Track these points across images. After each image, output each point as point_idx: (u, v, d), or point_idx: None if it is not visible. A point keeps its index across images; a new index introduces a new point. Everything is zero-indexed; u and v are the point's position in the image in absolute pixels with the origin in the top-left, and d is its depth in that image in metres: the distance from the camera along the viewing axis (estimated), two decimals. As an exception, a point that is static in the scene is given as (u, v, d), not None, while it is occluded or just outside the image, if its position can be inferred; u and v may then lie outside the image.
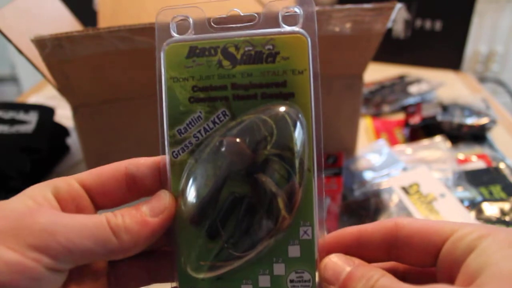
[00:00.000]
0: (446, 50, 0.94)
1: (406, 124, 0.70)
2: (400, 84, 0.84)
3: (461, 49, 0.92)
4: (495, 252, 0.20)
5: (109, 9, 0.68)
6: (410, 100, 0.78)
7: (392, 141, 0.69)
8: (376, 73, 0.90)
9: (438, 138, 0.64)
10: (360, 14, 0.48)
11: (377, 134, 0.71)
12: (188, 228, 0.26)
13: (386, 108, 0.78)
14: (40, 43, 0.43)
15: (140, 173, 0.27)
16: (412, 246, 0.23)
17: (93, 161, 0.56)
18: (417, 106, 0.73)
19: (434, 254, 0.23)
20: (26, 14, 0.52)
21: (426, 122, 0.67)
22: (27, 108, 0.65)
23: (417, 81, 0.84)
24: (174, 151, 0.26)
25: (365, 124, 0.74)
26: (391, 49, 0.95)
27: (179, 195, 0.26)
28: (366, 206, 0.52)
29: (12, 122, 0.62)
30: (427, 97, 0.79)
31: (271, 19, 0.26)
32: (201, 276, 0.26)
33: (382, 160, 0.60)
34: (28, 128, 0.62)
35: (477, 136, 0.65)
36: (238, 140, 0.25)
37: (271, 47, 0.25)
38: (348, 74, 0.57)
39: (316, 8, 0.47)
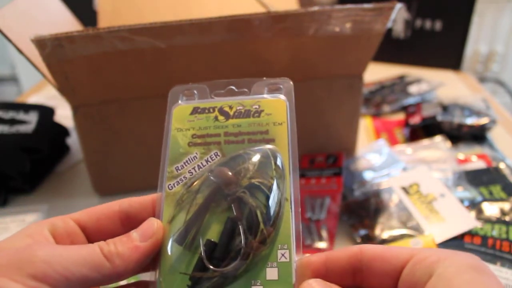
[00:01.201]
0: (446, 50, 0.94)
1: (406, 124, 0.70)
2: (400, 84, 0.84)
3: (461, 49, 0.92)
4: (455, 277, 0.21)
5: (109, 9, 0.68)
6: (410, 100, 0.78)
7: (392, 141, 0.69)
8: (376, 73, 0.90)
9: (438, 138, 0.64)
10: (360, 14, 0.48)
11: (377, 134, 0.71)
12: (172, 249, 0.28)
13: (386, 108, 0.78)
14: (40, 43, 0.43)
15: (134, 210, 0.29)
16: (373, 270, 0.25)
17: (93, 161, 0.56)
18: (417, 106, 0.73)
19: (395, 278, 0.24)
20: (26, 14, 0.52)
21: (426, 122, 0.67)
22: (27, 108, 0.65)
23: (417, 81, 0.84)
24: (170, 184, 0.31)
25: (365, 124, 0.75)
26: (391, 49, 0.95)
27: (169, 220, 0.29)
28: (366, 206, 0.52)
29: (12, 122, 0.62)
30: (427, 97, 0.79)
31: (259, 92, 0.34)
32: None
33: (382, 160, 0.60)
34: (28, 128, 0.62)
35: (477, 136, 0.65)
36: (223, 167, 0.30)
37: (257, 106, 0.32)
38: (348, 74, 0.57)
39: (316, 8, 0.47)
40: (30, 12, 0.54)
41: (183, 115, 0.33)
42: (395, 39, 0.95)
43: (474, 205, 0.51)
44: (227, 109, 0.33)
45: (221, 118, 0.33)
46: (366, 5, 0.47)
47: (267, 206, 0.29)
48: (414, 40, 0.94)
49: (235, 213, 0.29)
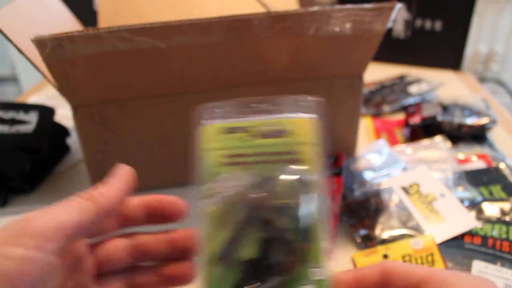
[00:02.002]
0: (446, 50, 0.94)
1: (406, 124, 0.70)
2: (400, 84, 0.84)
3: (461, 49, 0.92)
4: None
5: (109, 9, 0.68)
6: (410, 100, 0.78)
7: (392, 141, 0.69)
8: (376, 73, 0.90)
9: (438, 138, 0.64)
10: (360, 14, 0.48)
11: (377, 134, 0.71)
12: (214, 267, 0.29)
13: (386, 108, 0.78)
14: (40, 43, 0.43)
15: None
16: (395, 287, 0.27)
17: (93, 161, 0.56)
18: (417, 106, 0.73)
19: None
20: (26, 14, 0.52)
21: (426, 122, 0.67)
22: (27, 108, 0.65)
23: (417, 81, 0.84)
24: (206, 202, 0.32)
25: (365, 124, 0.75)
26: (391, 49, 0.95)
27: (208, 239, 0.30)
28: (366, 206, 0.52)
29: (12, 122, 0.62)
30: (427, 97, 0.79)
31: (287, 111, 0.34)
32: None
33: (382, 160, 0.60)
34: (28, 128, 0.62)
35: (477, 136, 0.65)
36: (256, 189, 0.31)
37: (286, 126, 0.33)
38: (348, 74, 0.57)
39: (316, 8, 0.47)
40: (30, 12, 0.54)
41: (213, 135, 0.34)
42: (395, 39, 0.95)
43: (474, 205, 0.51)
44: (254, 129, 0.33)
45: (249, 137, 0.33)
46: (366, 5, 0.47)
47: (299, 226, 0.30)
48: (414, 40, 0.94)
49: (268, 234, 0.29)
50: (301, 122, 0.33)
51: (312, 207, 0.31)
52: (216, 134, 0.33)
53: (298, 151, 0.32)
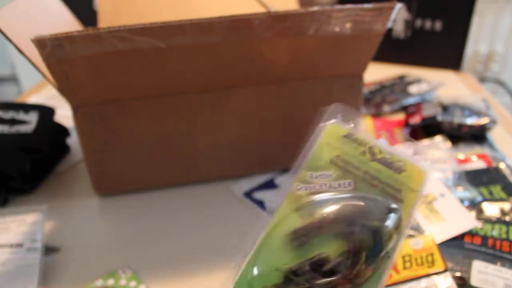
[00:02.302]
0: (446, 50, 0.94)
1: (406, 124, 0.70)
2: (400, 84, 0.84)
3: (461, 49, 0.92)
4: None
5: (109, 9, 0.68)
6: (410, 100, 0.78)
7: (392, 141, 0.69)
8: (376, 73, 0.90)
9: (438, 138, 0.64)
10: (360, 14, 0.48)
11: (377, 134, 0.71)
12: (278, 241, 0.30)
13: (386, 108, 0.78)
14: (40, 43, 0.43)
15: None
16: None
17: (93, 161, 0.56)
18: (417, 106, 0.73)
19: None
20: (26, 14, 0.52)
21: (426, 122, 0.67)
22: (27, 108, 0.65)
23: (417, 81, 0.84)
24: (299, 185, 0.33)
25: (365, 124, 0.74)
26: (391, 49, 0.95)
27: (282, 217, 0.31)
28: (366, 206, 0.52)
29: (12, 122, 0.62)
30: (427, 97, 0.79)
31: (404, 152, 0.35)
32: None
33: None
34: (28, 128, 0.62)
35: (477, 136, 0.65)
36: (356, 202, 0.32)
37: (401, 164, 0.34)
38: (348, 74, 0.57)
39: (316, 8, 0.47)
40: (30, 12, 0.54)
41: (337, 133, 0.35)
42: (395, 39, 0.95)
43: (474, 205, 0.51)
44: (376, 150, 0.34)
45: (367, 155, 0.34)
46: (366, 5, 0.47)
47: (372, 253, 0.30)
48: (414, 40, 0.94)
49: (348, 246, 0.30)
50: (419, 171, 0.34)
51: (393, 245, 0.31)
52: (342, 136, 0.35)
53: (404, 192, 0.33)
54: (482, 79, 1.67)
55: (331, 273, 0.29)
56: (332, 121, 0.36)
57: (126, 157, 0.56)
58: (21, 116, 0.63)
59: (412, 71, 0.92)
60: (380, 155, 0.34)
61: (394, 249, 0.31)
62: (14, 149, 0.59)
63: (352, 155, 0.34)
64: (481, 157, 0.60)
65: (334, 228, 0.30)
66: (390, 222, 0.31)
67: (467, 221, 0.48)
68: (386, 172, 0.33)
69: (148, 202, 0.58)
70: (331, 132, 0.35)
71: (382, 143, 0.35)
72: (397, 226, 0.31)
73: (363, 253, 0.30)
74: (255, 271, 0.29)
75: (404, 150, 0.35)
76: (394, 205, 0.32)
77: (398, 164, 0.34)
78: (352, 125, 0.36)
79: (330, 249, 0.30)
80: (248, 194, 0.58)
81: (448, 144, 0.63)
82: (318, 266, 0.29)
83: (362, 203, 0.32)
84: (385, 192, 0.33)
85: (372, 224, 0.31)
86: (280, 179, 0.61)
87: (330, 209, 0.31)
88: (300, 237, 0.30)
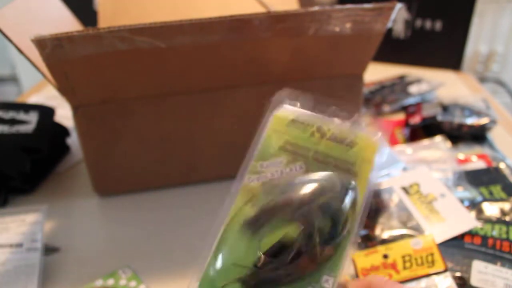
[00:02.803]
0: (446, 50, 0.94)
1: (406, 124, 0.70)
2: (400, 84, 0.84)
3: (461, 49, 0.92)
4: None
5: (109, 9, 0.68)
6: (410, 100, 0.78)
7: (392, 141, 0.69)
8: (376, 73, 0.90)
9: (438, 138, 0.64)
10: (360, 14, 0.48)
11: (377, 134, 0.71)
12: (236, 234, 0.30)
13: (386, 108, 0.78)
14: (40, 43, 0.43)
15: None
16: None
17: (93, 161, 0.56)
18: (417, 106, 0.73)
19: None
20: (26, 14, 0.52)
21: (426, 122, 0.67)
22: (27, 108, 0.65)
23: (417, 81, 0.84)
24: (250, 177, 0.32)
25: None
26: (391, 49, 0.95)
27: (238, 209, 0.31)
28: (366, 206, 0.52)
29: (12, 122, 0.62)
30: (427, 97, 0.79)
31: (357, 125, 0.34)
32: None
33: (382, 160, 0.60)
34: (28, 128, 0.62)
35: (477, 136, 0.65)
36: (303, 184, 0.31)
37: (353, 138, 0.33)
38: (348, 74, 0.57)
39: (316, 8, 0.47)
40: (30, 12, 0.54)
41: (283, 119, 0.34)
42: (395, 39, 0.95)
43: (474, 205, 0.51)
44: (324, 129, 0.34)
45: (316, 135, 0.34)
46: (366, 5, 0.47)
47: (330, 231, 0.30)
48: (414, 40, 0.94)
49: (301, 227, 0.30)
50: (371, 142, 0.34)
51: (350, 221, 0.31)
52: (287, 122, 0.34)
53: (358, 165, 0.33)
54: (482, 79, 1.67)
55: (292, 257, 0.29)
56: (279, 107, 0.35)
57: (126, 157, 0.56)
58: (21, 116, 0.63)
59: (412, 71, 0.92)
60: (329, 132, 0.34)
61: (353, 225, 0.31)
62: (14, 149, 0.59)
63: (301, 138, 0.33)
64: (481, 157, 0.60)
65: (286, 212, 0.30)
66: (346, 199, 0.31)
67: (467, 221, 0.48)
68: (337, 148, 0.33)
69: (148, 202, 0.58)
70: (278, 119, 0.35)
71: (331, 120, 0.34)
72: (354, 202, 0.31)
73: (317, 233, 0.30)
74: (216, 268, 0.30)
75: (357, 123, 0.35)
76: (348, 182, 0.32)
77: (350, 138, 0.33)
78: (298, 107, 0.35)
79: (286, 233, 0.30)
80: (248, 194, 0.58)
81: (448, 144, 0.63)
82: (278, 253, 0.29)
83: (313, 184, 0.31)
84: (338, 168, 0.32)
85: (325, 202, 0.31)
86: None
87: (280, 193, 0.31)
88: (253, 226, 0.30)
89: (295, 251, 0.29)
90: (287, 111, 0.35)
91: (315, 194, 0.31)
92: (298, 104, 0.35)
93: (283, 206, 0.31)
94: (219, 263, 0.30)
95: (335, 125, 0.34)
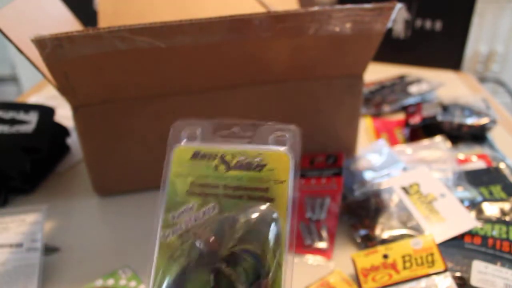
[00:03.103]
0: (446, 50, 0.94)
1: (406, 124, 0.70)
2: (400, 84, 0.84)
3: (461, 49, 0.92)
4: None
5: (109, 9, 0.68)
6: (410, 100, 0.78)
7: (392, 141, 0.69)
8: (376, 73, 0.90)
9: (438, 138, 0.64)
10: (360, 14, 0.48)
11: (377, 134, 0.71)
12: None
13: (386, 108, 0.78)
14: (40, 43, 0.43)
15: None
16: None
17: (93, 161, 0.56)
18: (417, 106, 0.73)
19: None
20: (26, 14, 0.52)
21: (426, 122, 0.67)
22: (27, 108, 0.65)
23: (417, 81, 0.84)
24: (165, 233, 0.30)
25: (365, 124, 0.74)
26: (391, 49, 0.95)
27: (159, 273, 0.29)
28: (366, 206, 0.52)
29: (12, 122, 0.62)
30: (427, 97, 0.79)
31: (263, 140, 0.32)
32: None
33: (382, 160, 0.60)
34: (28, 128, 0.62)
35: (477, 136, 0.65)
36: (209, 234, 0.29)
37: (260, 159, 0.31)
38: (348, 74, 0.57)
39: (316, 8, 0.47)
40: (30, 12, 0.54)
41: (183, 158, 0.32)
42: (395, 39, 0.95)
43: (474, 205, 0.51)
44: (228, 158, 0.31)
45: (221, 168, 0.31)
46: (366, 5, 0.47)
47: (254, 277, 0.28)
48: (414, 40, 0.94)
49: (212, 284, 0.28)
50: (280, 157, 0.31)
51: (276, 255, 0.29)
52: (188, 158, 0.32)
53: (272, 189, 0.30)
54: (482, 79, 1.67)
55: None
56: (175, 146, 0.33)
57: (126, 157, 0.56)
58: (21, 116, 0.63)
59: (412, 71, 0.92)
60: (234, 160, 0.31)
61: (282, 255, 0.29)
62: (14, 149, 0.59)
63: (206, 174, 0.31)
64: (481, 157, 0.60)
65: (200, 272, 0.28)
66: (269, 235, 0.29)
67: (467, 221, 0.48)
68: (246, 175, 0.31)
69: (148, 202, 0.58)
70: (178, 158, 0.32)
71: (232, 145, 0.32)
72: (278, 233, 0.29)
73: (242, 276, 0.28)
74: None
75: (263, 135, 0.31)
76: (267, 215, 0.29)
77: (256, 160, 0.31)
78: (198, 138, 0.33)
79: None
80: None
81: (448, 144, 0.63)
82: None
83: (215, 232, 0.29)
84: (252, 198, 0.30)
85: (245, 246, 0.28)
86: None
87: (197, 245, 0.29)
88: None
89: None
90: (186, 146, 0.33)
91: (231, 239, 0.29)
92: (199, 131, 0.33)
93: (198, 261, 0.29)
94: None
95: (238, 150, 0.31)
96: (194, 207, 0.31)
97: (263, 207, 0.30)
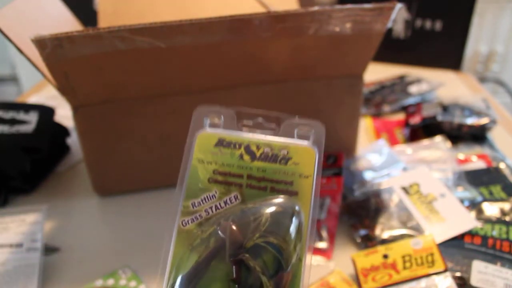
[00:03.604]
0: (446, 50, 0.94)
1: (406, 124, 0.70)
2: (400, 84, 0.84)
3: (461, 49, 0.92)
4: None
5: (109, 9, 0.68)
6: (410, 100, 0.78)
7: (392, 141, 0.69)
8: (376, 73, 0.90)
9: (438, 138, 0.64)
10: (360, 14, 0.48)
11: (377, 134, 0.71)
12: None
13: (386, 108, 0.78)
14: (40, 43, 0.43)
15: None
16: None
17: (93, 161, 0.56)
18: (417, 106, 0.73)
19: None
20: (26, 14, 0.52)
21: (426, 122, 0.67)
22: (27, 108, 0.65)
23: (417, 81, 0.84)
24: (184, 220, 0.29)
25: (365, 124, 0.74)
26: (391, 49, 0.95)
27: (177, 262, 0.29)
28: (366, 206, 0.52)
29: (13, 122, 0.62)
30: (427, 97, 0.79)
31: (287, 133, 0.31)
32: None
33: (382, 160, 0.60)
34: (29, 128, 0.62)
35: (477, 136, 0.65)
36: (232, 223, 0.28)
37: (286, 152, 0.30)
38: (348, 74, 0.57)
39: (316, 8, 0.47)
40: (30, 12, 0.54)
41: (207, 145, 0.31)
42: (395, 39, 0.95)
43: (474, 205, 0.51)
44: (253, 148, 0.31)
45: (246, 157, 0.31)
46: (366, 5, 0.47)
47: (275, 270, 0.28)
48: (414, 40, 0.94)
49: (234, 275, 0.27)
50: (306, 152, 0.31)
51: (297, 249, 0.29)
52: (212, 145, 0.31)
53: (296, 183, 0.30)
54: (482, 79, 1.66)
55: None
56: (199, 131, 0.32)
57: (126, 157, 0.56)
58: (21, 116, 0.63)
59: (412, 71, 0.92)
60: (260, 151, 0.30)
61: (303, 250, 0.28)
62: (14, 149, 0.59)
63: (230, 163, 0.30)
64: (481, 157, 0.60)
65: (224, 256, 0.28)
66: (291, 228, 0.28)
67: (467, 221, 0.48)
68: (271, 167, 0.30)
69: (148, 202, 0.58)
70: (201, 144, 0.31)
71: (258, 136, 0.31)
72: (299, 227, 0.28)
73: (263, 270, 0.27)
74: None
75: (288, 129, 0.31)
76: (290, 207, 0.29)
77: (282, 153, 0.30)
78: (221, 125, 0.32)
79: (224, 284, 0.27)
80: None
81: (448, 144, 0.63)
82: None
83: (238, 222, 0.28)
84: (276, 191, 0.30)
85: (268, 239, 0.28)
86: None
87: (216, 235, 0.28)
88: (190, 282, 0.28)
89: None
90: (209, 133, 0.31)
91: (255, 230, 0.28)
92: (222, 119, 0.32)
93: (219, 250, 0.28)
94: None
95: (264, 141, 0.31)
96: (215, 195, 0.30)
97: (287, 200, 0.29)
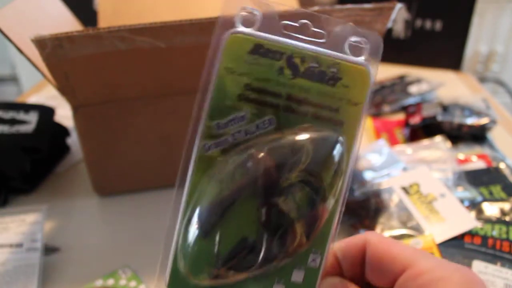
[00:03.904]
0: (446, 50, 0.94)
1: (406, 124, 0.70)
2: (400, 84, 0.84)
3: (461, 49, 0.92)
4: None
5: (109, 9, 0.68)
6: (410, 100, 0.78)
7: (392, 141, 0.69)
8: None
9: (438, 138, 0.64)
10: (360, 14, 0.48)
11: (377, 134, 0.71)
12: (193, 235, 0.25)
13: (386, 108, 0.78)
14: (40, 43, 0.43)
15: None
16: (373, 269, 0.25)
17: (93, 161, 0.56)
18: (417, 106, 0.73)
19: (392, 281, 0.24)
20: (26, 14, 0.52)
21: (426, 122, 0.67)
22: (27, 108, 0.65)
23: (417, 81, 0.84)
24: (206, 144, 0.24)
25: (365, 124, 0.74)
26: (391, 49, 0.95)
27: (194, 192, 0.24)
28: (366, 206, 0.52)
29: (12, 122, 0.62)
30: (427, 97, 0.79)
31: (339, 43, 0.25)
32: (195, 281, 0.25)
33: (382, 160, 0.60)
34: (28, 128, 0.62)
35: (477, 136, 0.65)
36: (267, 155, 0.24)
37: (335, 70, 0.24)
38: (348, 74, 0.57)
39: (316, 8, 0.47)
40: (30, 12, 0.54)
41: (239, 50, 0.24)
42: (395, 39, 0.95)
43: (474, 205, 0.51)
44: (297, 60, 0.24)
45: (287, 72, 0.24)
46: (366, 5, 0.47)
47: (309, 215, 0.24)
48: (414, 40, 0.94)
49: (263, 219, 0.24)
50: (359, 73, 0.25)
51: (334, 189, 0.24)
52: (246, 52, 0.24)
53: (343, 110, 0.25)
54: (482, 79, 1.67)
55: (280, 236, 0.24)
56: (230, 31, 0.25)
57: (126, 157, 0.56)
58: (21, 116, 0.63)
59: (412, 71, 0.92)
60: (305, 65, 0.24)
61: (341, 192, 0.24)
62: (14, 149, 0.59)
63: (267, 78, 0.24)
64: (481, 157, 0.60)
65: (250, 202, 0.24)
66: (322, 159, 0.24)
67: (467, 221, 0.48)
68: (315, 88, 0.24)
69: (148, 202, 0.58)
70: (231, 50, 0.24)
71: (304, 45, 0.25)
72: (340, 164, 0.24)
73: (296, 224, 0.24)
74: (183, 263, 0.25)
75: (339, 38, 0.25)
76: (333, 139, 0.24)
77: (331, 71, 0.24)
78: (256, 26, 0.25)
79: (250, 226, 0.24)
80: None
81: (448, 144, 0.63)
82: (246, 252, 0.24)
83: (273, 154, 0.24)
84: (318, 117, 0.24)
85: (304, 176, 0.23)
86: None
87: (241, 173, 0.24)
88: (207, 224, 0.24)
89: (268, 250, 0.24)
90: (243, 36, 0.24)
91: (293, 167, 0.24)
92: (260, 14, 0.25)
93: (248, 187, 0.24)
94: (185, 259, 0.25)
95: (311, 53, 0.25)
96: (246, 117, 0.24)
97: (332, 131, 0.24)
